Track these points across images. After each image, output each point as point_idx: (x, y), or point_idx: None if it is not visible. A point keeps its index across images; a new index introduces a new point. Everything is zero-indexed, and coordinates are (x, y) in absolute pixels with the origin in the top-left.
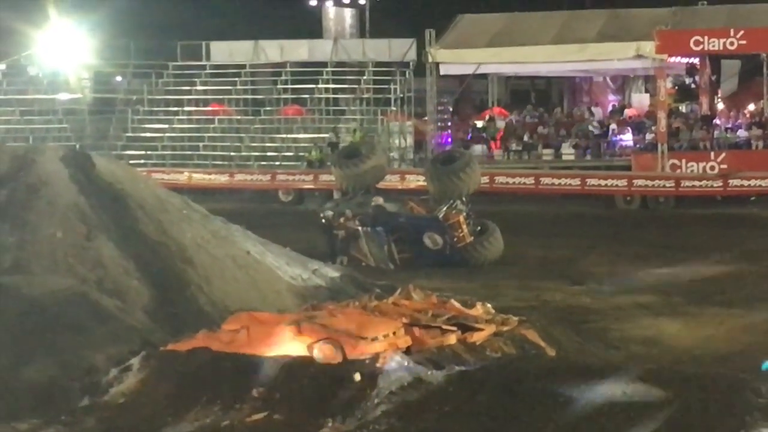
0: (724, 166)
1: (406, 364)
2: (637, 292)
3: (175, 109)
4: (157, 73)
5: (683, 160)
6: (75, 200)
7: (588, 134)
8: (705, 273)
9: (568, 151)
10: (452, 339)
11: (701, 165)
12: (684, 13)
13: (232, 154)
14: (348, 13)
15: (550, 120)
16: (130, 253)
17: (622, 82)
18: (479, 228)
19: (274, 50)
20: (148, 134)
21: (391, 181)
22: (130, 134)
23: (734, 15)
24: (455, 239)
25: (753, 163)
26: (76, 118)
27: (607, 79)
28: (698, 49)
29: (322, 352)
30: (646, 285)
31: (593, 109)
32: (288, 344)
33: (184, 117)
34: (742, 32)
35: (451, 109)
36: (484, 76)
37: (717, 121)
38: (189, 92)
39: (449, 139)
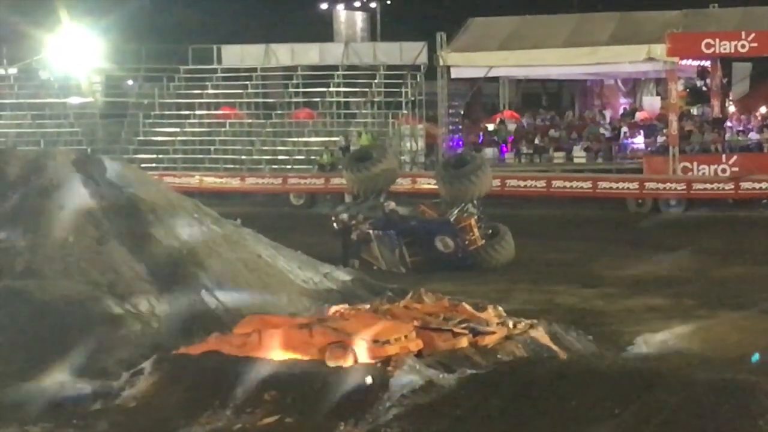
0: (735, 169)
1: (417, 367)
2: (649, 295)
3: (187, 112)
4: (169, 76)
5: (695, 163)
6: (87, 204)
7: (599, 137)
8: (717, 276)
9: (579, 154)
10: (464, 342)
11: (713, 168)
12: (695, 15)
13: (244, 157)
14: (359, 17)
15: (562, 123)
16: (141, 257)
17: (634, 85)
18: (491, 231)
19: (285, 54)
20: (160, 138)
21: (402, 185)
22: (141, 138)
23: (746, 17)
24: (467, 242)
25: (764, 166)
26: (87, 122)
27: (619, 82)
28: (709, 51)
29: (333, 355)
30: (657, 288)
31: (604, 112)
32: (300, 348)
33: (196, 121)
34: (753, 35)
35: (462, 113)
36: (495, 79)
37: (728, 123)
38: (200, 96)
39: (460, 143)
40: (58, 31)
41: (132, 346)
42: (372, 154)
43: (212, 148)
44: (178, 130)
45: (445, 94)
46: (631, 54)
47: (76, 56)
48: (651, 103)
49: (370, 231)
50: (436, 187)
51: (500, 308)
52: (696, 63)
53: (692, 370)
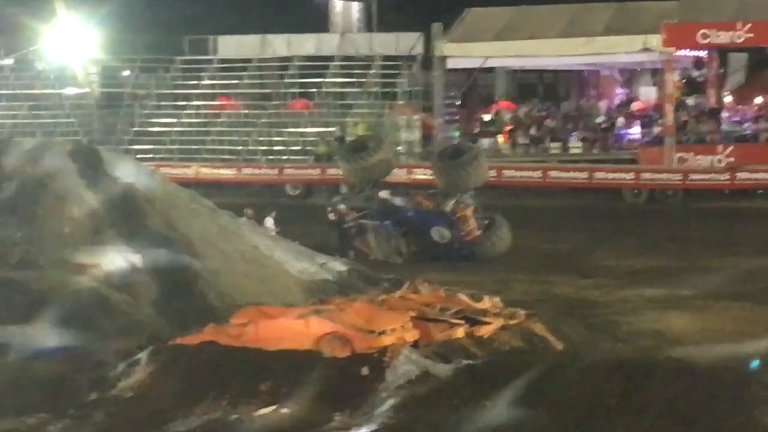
0: (731, 160)
1: (413, 357)
2: (645, 286)
3: (183, 103)
4: (165, 67)
5: (691, 154)
6: (83, 195)
7: (595, 128)
8: (713, 266)
9: (575, 145)
10: (460, 333)
11: (709, 158)
12: (691, 6)
13: (240, 148)
14: (355, 7)
15: (558, 113)
16: (138, 247)
17: (630, 76)
18: (487, 222)
19: (281, 44)
20: (156, 129)
21: (398, 175)
22: (137, 129)
23: (742, 8)
24: (463, 233)
25: (760, 157)
26: (83, 113)
27: (615, 72)
28: (705, 42)
29: (330, 346)
30: (653, 278)
31: (599, 104)
32: (296, 338)
33: (192, 111)
34: (749, 25)
35: (458, 103)
36: (491, 69)
37: (724, 114)
38: (196, 86)
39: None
40: (54, 22)
41: (128, 337)
42: (368, 144)
43: (208, 138)
44: (174, 120)
45: (441, 85)
46: (627, 44)
47: (73, 47)
48: (647, 93)
49: (366, 222)
50: (432, 177)
51: (496, 299)
52: (692, 53)
53: (688, 361)
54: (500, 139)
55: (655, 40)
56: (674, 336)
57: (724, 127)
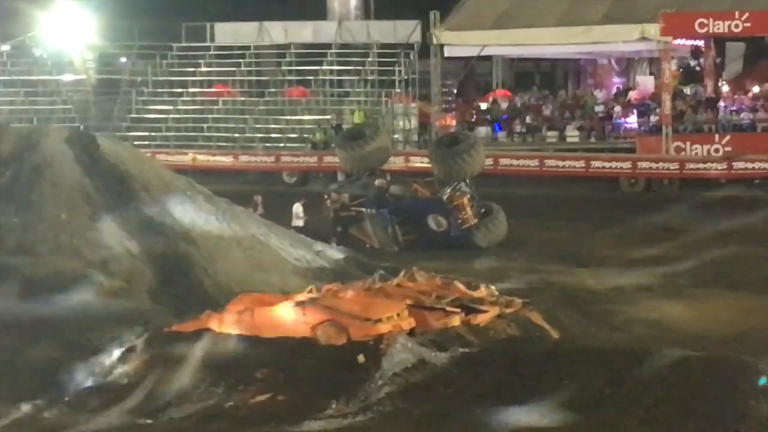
0: (728, 149)
1: (410, 345)
2: (641, 275)
3: (180, 90)
4: (162, 54)
5: (688, 143)
6: (79, 181)
7: (592, 116)
8: (709, 256)
9: (572, 134)
10: (456, 321)
11: (706, 147)
12: None
13: (237, 135)
14: None
15: (555, 102)
16: (134, 234)
17: (627, 65)
18: (483, 210)
19: (278, 32)
20: (153, 115)
21: (395, 163)
22: (134, 115)
23: None
24: (459, 221)
25: (757, 146)
26: (80, 100)
27: (612, 61)
28: (703, 31)
29: (326, 333)
30: (650, 267)
31: (596, 93)
32: (292, 326)
33: (189, 98)
34: (747, 15)
35: (455, 91)
36: (488, 58)
37: (722, 103)
38: (193, 74)
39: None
40: (51, 8)
41: (124, 324)
42: (365, 132)
43: (205, 125)
44: (171, 107)
45: (438, 73)
46: (624, 33)
47: (69, 33)
48: (644, 82)
49: (363, 209)
50: (429, 165)
51: (493, 287)
52: (689, 42)
53: (684, 349)
54: None
55: (653, 29)
56: (670, 325)
57: (722, 116)
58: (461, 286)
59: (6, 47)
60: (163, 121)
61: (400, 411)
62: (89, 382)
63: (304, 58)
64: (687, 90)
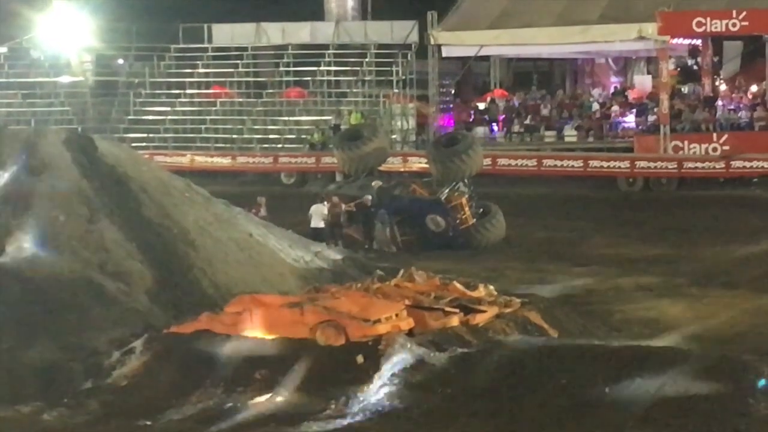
0: (726, 148)
1: (408, 346)
2: (640, 274)
3: (177, 91)
4: (159, 55)
5: (685, 142)
6: (77, 183)
7: (590, 116)
8: (707, 255)
9: (570, 133)
10: (455, 321)
11: (703, 146)
12: None
13: (234, 136)
14: None
15: (553, 102)
16: (132, 236)
17: (625, 64)
18: (482, 210)
19: (276, 33)
20: (151, 117)
21: (393, 164)
22: (132, 117)
23: None
24: (458, 221)
25: (755, 145)
26: (78, 101)
27: (610, 60)
28: (700, 30)
29: (324, 334)
30: (648, 266)
31: (593, 91)
32: (291, 326)
33: (186, 100)
34: (744, 13)
35: (453, 92)
36: (486, 58)
37: (719, 102)
38: (191, 75)
39: (452, 122)
40: (48, 10)
41: (123, 325)
42: (363, 133)
43: (203, 127)
44: (168, 109)
45: (435, 73)
46: (622, 33)
47: (67, 35)
48: (642, 81)
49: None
50: (427, 166)
51: (491, 287)
52: (687, 42)
53: (682, 348)
54: None
55: (651, 28)
56: (668, 324)
57: (719, 115)
58: (460, 287)
59: (4, 49)
60: (161, 122)
61: (399, 411)
62: (88, 384)
63: (301, 58)
64: (685, 89)
